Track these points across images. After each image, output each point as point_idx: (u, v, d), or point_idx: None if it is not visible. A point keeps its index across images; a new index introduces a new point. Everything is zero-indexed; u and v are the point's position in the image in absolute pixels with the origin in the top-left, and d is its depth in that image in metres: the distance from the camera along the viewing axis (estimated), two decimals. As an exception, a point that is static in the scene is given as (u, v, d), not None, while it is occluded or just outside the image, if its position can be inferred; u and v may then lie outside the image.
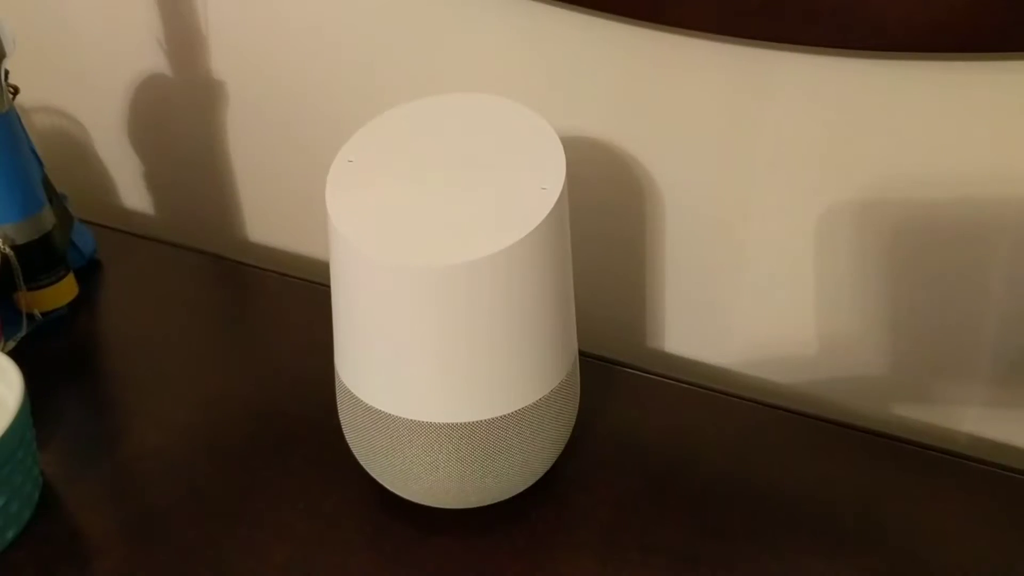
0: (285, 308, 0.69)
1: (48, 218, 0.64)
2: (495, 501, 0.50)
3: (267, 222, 0.81)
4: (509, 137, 0.47)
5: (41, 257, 0.64)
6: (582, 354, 0.59)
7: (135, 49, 0.77)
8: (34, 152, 0.64)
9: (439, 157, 0.46)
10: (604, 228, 0.65)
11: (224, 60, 0.73)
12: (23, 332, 0.64)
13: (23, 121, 0.63)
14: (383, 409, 0.46)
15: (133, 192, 0.86)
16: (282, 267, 0.73)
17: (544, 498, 0.52)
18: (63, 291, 0.66)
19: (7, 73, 0.60)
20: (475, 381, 0.45)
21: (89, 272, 0.71)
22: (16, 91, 0.62)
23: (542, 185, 0.44)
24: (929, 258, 0.56)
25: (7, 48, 0.58)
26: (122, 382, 0.61)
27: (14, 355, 0.53)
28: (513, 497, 0.51)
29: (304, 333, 0.65)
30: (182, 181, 0.82)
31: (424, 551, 0.49)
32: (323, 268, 0.79)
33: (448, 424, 0.46)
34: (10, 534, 0.50)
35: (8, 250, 0.61)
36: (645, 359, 0.68)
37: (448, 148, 0.47)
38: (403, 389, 0.46)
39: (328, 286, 0.69)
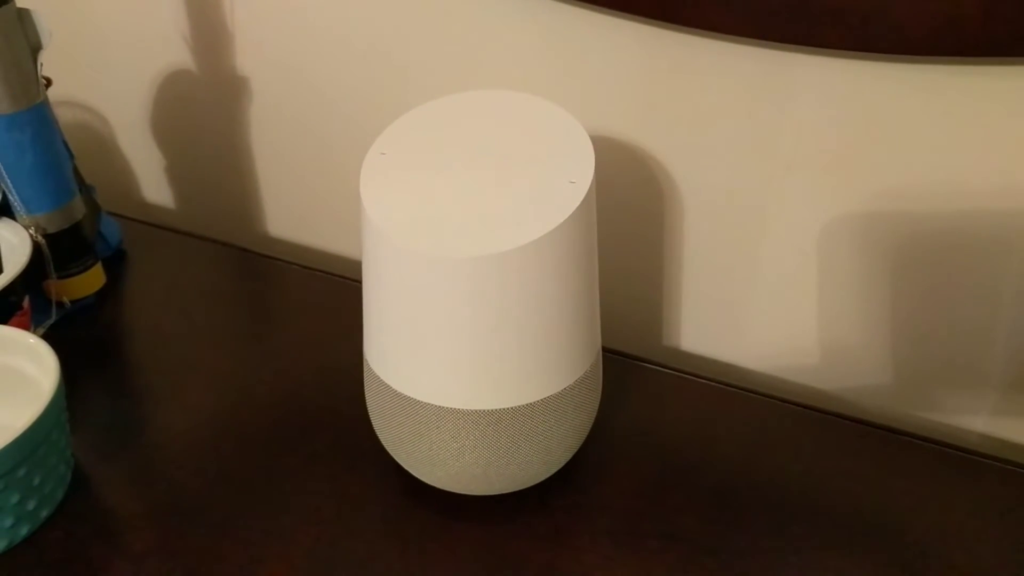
0: (307, 300, 0.70)
1: (79, 208, 0.65)
2: (518, 488, 0.51)
3: (286, 218, 0.82)
4: (538, 132, 0.48)
5: (71, 246, 0.65)
6: (602, 349, 0.60)
7: (160, 44, 0.78)
8: (65, 143, 0.65)
9: (470, 151, 0.47)
10: (623, 227, 0.66)
11: (248, 57, 0.74)
12: (52, 319, 0.65)
13: (51, 113, 0.64)
14: (411, 395, 0.48)
15: (154, 186, 0.87)
16: (300, 261, 0.75)
17: (565, 486, 0.53)
18: (91, 280, 0.67)
19: (40, 65, 0.61)
20: (503, 369, 0.46)
21: (115, 262, 0.73)
22: (49, 82, 0.63)
23: (571, 179, 0.45)
24: (944, 264, 0.57)
25: (43, 40, 0.59)
26: (149, 369, 0.63)
27: (45, 341, 0.54)
28: (535, 485, 0.52)
29: (326, 324, 0.67)
30: (203, 176, 0.84)
31: (448, 536, 0.50)
32: (341, 263, 0.80)
33: (475, 411, 0.47)
34: (44, 513, 0.51)
35: (40, 239, 0.62)
36: (661, 357, 0.69)
37: (478, 142, 0.48)
38: (432, 376, 0.47)
39: (349, 279, 0.71)
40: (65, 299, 0.66)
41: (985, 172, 0.53)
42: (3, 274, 0.59)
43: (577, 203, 0.44)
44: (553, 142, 0.47)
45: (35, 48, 0.59)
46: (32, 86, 0.60)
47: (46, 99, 0.62)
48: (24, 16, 0.58)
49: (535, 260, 0.44)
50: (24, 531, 0.50)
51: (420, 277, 0.44)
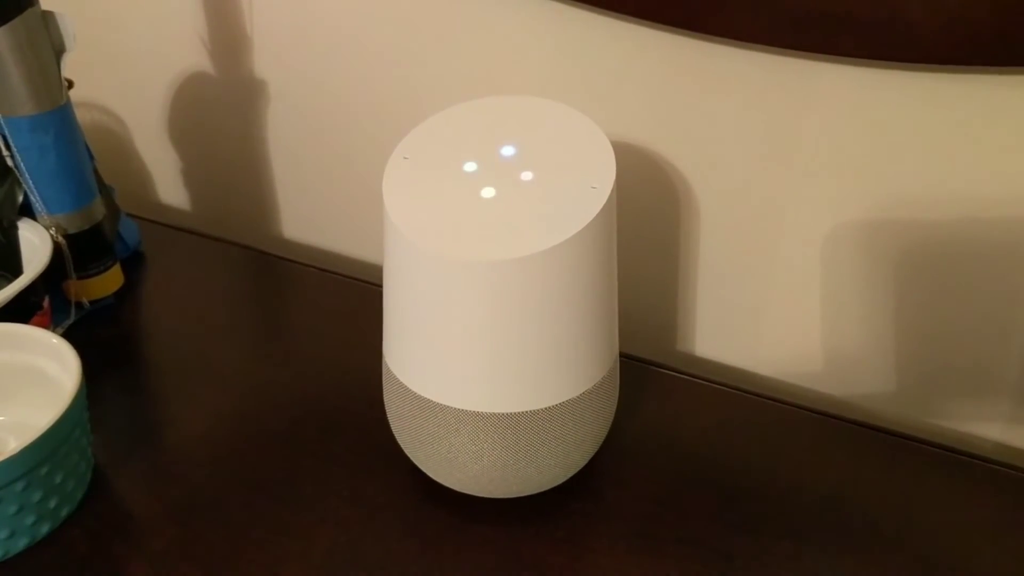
0: (323, 302, 0.70)
1: (99, 209, 0.66)
2: (536, 492, 0.52)
3: (302, 220, 0.82)
4: (559, 138, 0.48)
5: (91, 247, 0.65)
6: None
7: (178, 48, 0.78)
8: (86, 145, 0.66)
9: (491, 155, 0.48)
10: (639, 232, 0.66)
11: (266, 61, 0.75)
12: (71, 320, 0.66)
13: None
14: (431, 398, 0.48)
15: (171, 188, 0.88)
16: (314, 263, 0.75)
17: (582, 490, 0.53)
18: (110, 280, 0.68)
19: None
20: (523, 373, 0.46)
21: (133, 263, 0.73)
22: (71, 84, 0.63)
23: (592, 184, 0.46)
24: (959, 271, 0.57)
25: (68, 43, 0.60)
26: (167, 369, 0.63)
27: (64, 342, 0.54)
28: (553, 488, 0.52)
29: (342, 327, 0.67)
30: (220, 178, 0.84)
31: (465, 539, 0.51)
32: (356, 266, 0.81)
33: (495, 414, 0.47)
34: (64, 511, 0.51)
35: (61, 239, 0.63)
36: (676, 362, 0.69)
37: (500, 147, 0.48)
38: (452, 379, 0.47)
39: (364, 282, 0.72)
40: (84, 299, 0.66)
41: (1002, 179, 0.54)
42: (24, 274, 0.59)
43: (599, 208, 0.44)
44: (574, 147, 0.48)
45: (59, 51, 0.60)
46: (55, 88, 0.60)
47: (69, 101, 0.62)
48: (49, 19, 0.59)
49: (557, 264, 0.44)
50: (45, 529, 0.50)
51: (442, 281, 0.45)
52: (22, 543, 0.49)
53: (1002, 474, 0.56)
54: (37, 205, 0.63)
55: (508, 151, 0.47)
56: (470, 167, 0.47)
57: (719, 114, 0.59)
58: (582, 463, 0.52)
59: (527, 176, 0.46)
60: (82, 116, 0.87)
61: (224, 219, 0.86)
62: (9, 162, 0.61)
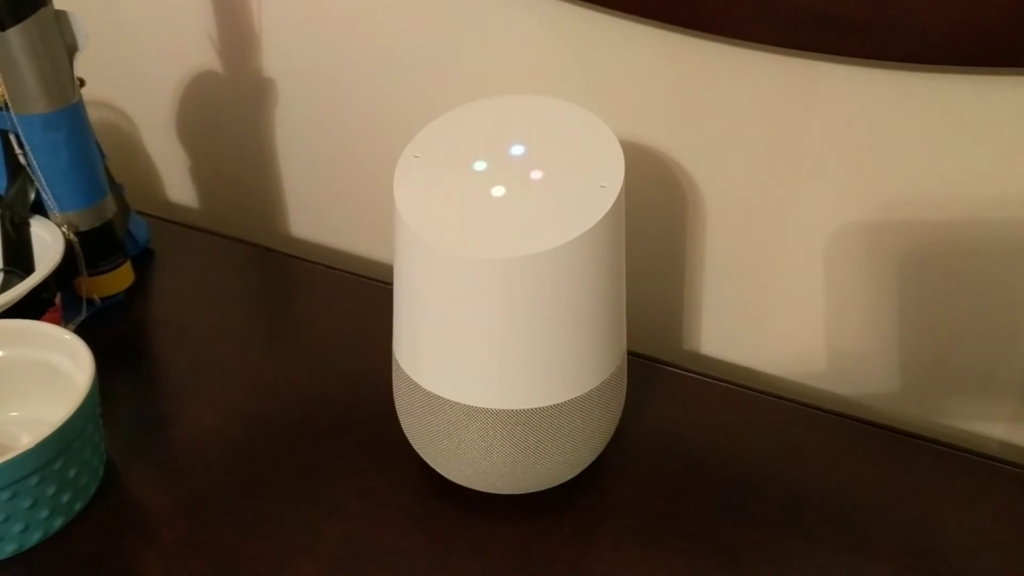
0: (331, 299, 0.71)
1: (110, 206, 0.66)
2: (544, 488, 0.52)
3: (309, 218, 0.83)
4: (568, 137, 0.49)
5: (102, 244, 0.66)
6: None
7: (187, 46, 0.79)
8: (97, 143, 0.66)
9: (501, 154, 0.48)
10: (645, 231, 0.66)
11: (274, 59, 0.75)
12: (83, 316, 0.66)
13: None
14: (441, 394, 0.48)
15: (180, 186, 0.89)
16: (323, 261, 0.75)
17: (590, 487, 0.54)
18: (121, 277, 0.68)
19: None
20: (532, 370, 0.47)
21: (143, 260, 0.74)
22: (82, 83, 0.64)
23: (601, 183, 0.46)
24: (965, 271, 0.57)
25: (80, 42, 0.60)
26: (177, 365, 0.64)
27: (76, 338, 0.55)
28: (561, 485, 0.53)
29: (350, 323, 0.67)
30: (229, 176, 0.85)
31: (474, 534, 0.51)
32: (366, 264, 0.81)
33: (504, 410, 0.47)
34: (77, 505, 0.52)
35: (72, 236, 0.64)
36: (682, 360, 0.69)
37: (510, 146, 0.48)
38: (462, 376, 0.47)
39: (371, 279, 0.72)
40: (95, 296, 0.67)
41: (1006, 179, 0.54)
42: (36, 271, 0.60)
43: (608, 207, 0.45)
44: (583, 146, 0.48)
45: (71, 50, 0.60)
46: (68, 87, 0.61)
47: (81, 99, 0.63)
48: (61, 18, 0.59)
49: (566, 262, 0.44)
50: (58, 523, 0.51)
51: (452, 278, 0.45)
52: (36, 537, 0.50)
53: (1006, 472, 0.56)
54: (49, 203, 0.63)
55: (518, 150, 0.48)
56: (480, 166, 0.47)
57: (725, 114, 0.59)
58: (590, 460, 0.53)
59: (537, 175, 0.46)
60: (92, 114, 0.87)
61: (233, 217, 0.86)
62: (21, 160, 0.62)
